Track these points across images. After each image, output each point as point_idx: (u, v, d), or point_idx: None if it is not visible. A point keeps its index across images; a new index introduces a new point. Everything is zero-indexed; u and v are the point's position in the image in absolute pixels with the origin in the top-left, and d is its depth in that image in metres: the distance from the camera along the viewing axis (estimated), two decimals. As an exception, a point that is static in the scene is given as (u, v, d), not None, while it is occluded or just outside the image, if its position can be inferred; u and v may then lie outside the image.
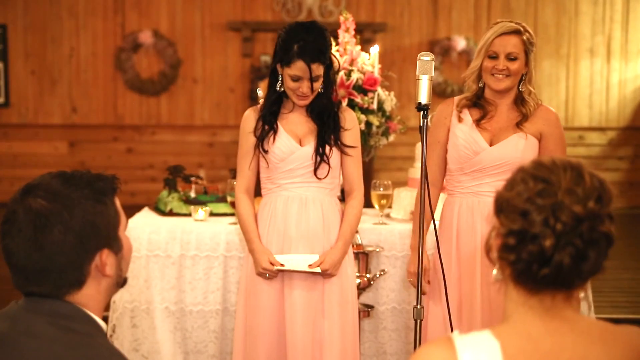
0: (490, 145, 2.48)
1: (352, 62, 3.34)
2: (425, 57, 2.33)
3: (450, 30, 8.00)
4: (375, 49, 3.61)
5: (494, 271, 1.20)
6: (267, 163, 2.57)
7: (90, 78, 8.04)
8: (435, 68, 2.39)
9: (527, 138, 2.46)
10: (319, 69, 2.47)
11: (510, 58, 2.42)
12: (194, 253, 3.22)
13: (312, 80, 2.48)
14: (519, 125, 2.48)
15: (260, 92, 3.19)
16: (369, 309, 3.00)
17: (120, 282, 1.41)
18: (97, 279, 1.34)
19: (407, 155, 5.87)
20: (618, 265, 5.70)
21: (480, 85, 2.50)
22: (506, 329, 1.17)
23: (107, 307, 1.53)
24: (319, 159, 2.49)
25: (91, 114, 8.13)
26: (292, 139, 2.56)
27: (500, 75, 2.44)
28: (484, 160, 2.44)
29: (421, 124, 2.21)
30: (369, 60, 3.59)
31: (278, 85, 2.55)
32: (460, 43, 7.64)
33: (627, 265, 5.66)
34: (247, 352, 2.61)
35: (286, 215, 2.57)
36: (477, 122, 2.50)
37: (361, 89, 3.35)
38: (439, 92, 7.52)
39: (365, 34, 7.17)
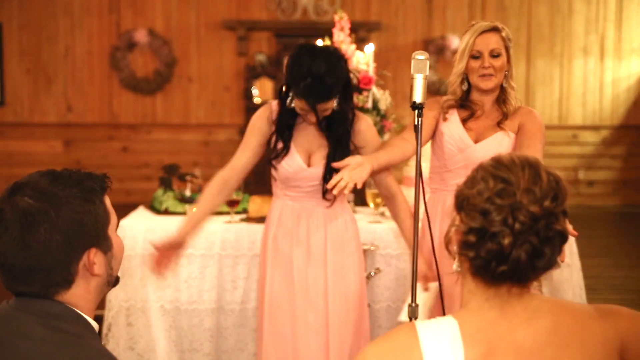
0: (475, 142, 2.51)
1: (348, 60, 3.34)
2: (420, 56, 2.32)
3: (445, 29, 8.00)
4: (370, 48, 3.61)
5: (454, 265, 1.25)
6: (275, 173, 2.53)
7: (85, 77, 8.03)
8: (430, 67, 2.38)
9: (509, 136, 2.49)
10: (327, 104, 2.39)
11: (494, 55, 2.46)
12: (189, 251, 3.19)
13: (321, 111, 2.40)
14: (499, 124, 2.51)
15: (256, 91, 3.16)
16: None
17: (112, 281, 1.40)
18: (86, 278, 1.34)
19: (402, 154, 5.90)
20: (612, 263, 5.72)
21: (464, 88, 2.53)
22: (464, 312, 1.23)
23: (102, 306, 1.52)
24: (324, 184, 2.43)
25: (86, 112, 8.12)
26: (301, 157, 2.50)
27: (487, 74, 2.46)
28: (468, 158, 2.46)
29: (416, 123, 2.21)
30: (364, 59, 3.60)
31: (288, 101, 2.46)
32: (454, 42, 7.66)
33: (620, 263, 5.69)
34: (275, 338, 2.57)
35: (291, 224, 2.54)
36: (464, 122, 2.53)
37: (356, 88, 3.34)
38: (434, 90, 7.55)
39: (360, 33, 7.20)
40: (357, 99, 3.23)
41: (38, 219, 1.27)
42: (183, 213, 3.43)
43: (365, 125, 2.53)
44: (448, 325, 1.20)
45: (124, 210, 3.65)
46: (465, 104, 2.54)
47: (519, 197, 1.17)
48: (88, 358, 1.26)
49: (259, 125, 2.55)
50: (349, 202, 2.75)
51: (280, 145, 2.49)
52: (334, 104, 2.42)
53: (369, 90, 3.45)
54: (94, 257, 1.32)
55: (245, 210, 3.38)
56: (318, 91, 2.34)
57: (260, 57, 7.66)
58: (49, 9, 7.88)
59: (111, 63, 7.92)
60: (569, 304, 1.31)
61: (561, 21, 8.00)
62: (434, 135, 2.51)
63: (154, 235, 3.24)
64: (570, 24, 7.89)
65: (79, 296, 1.33)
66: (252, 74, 7.69)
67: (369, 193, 3.13)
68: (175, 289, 3.23)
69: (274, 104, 2.57)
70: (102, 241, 1.35)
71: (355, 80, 2.60)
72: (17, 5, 7.87)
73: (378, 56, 4.06)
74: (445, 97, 2.58)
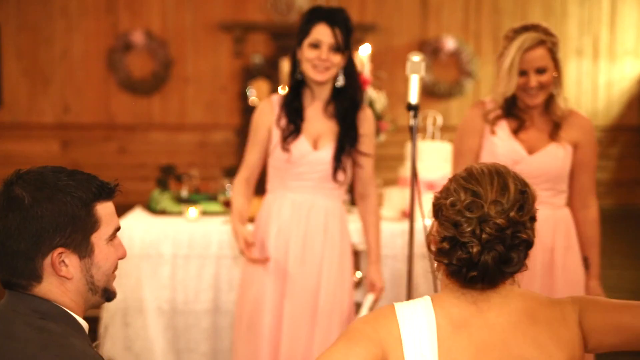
0: (529, 154, 2.43)
1: None
2: (415, 58, 2.32)
3: (440, 31, 7.96)
4: (365, 49, 3.61)
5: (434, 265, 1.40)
6: (275, 160, 2.49)
7: (82, 78, 8.00)
8: (425, 68, 2.37)
9: (565, 148, 2.42)
10: (338, 39, 2.37)
11: (539, 71, 2.36)
12: (185, 252, 3.21)
13: (334, 48, 2.37)
14: (553, 135, 2.44)
15: (253, 92, 3.19)
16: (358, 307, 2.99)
17: (95, 290, 1.38)
18: (59, 278, 1.34)
19: (397, 155, 5.89)
20: (605, 263, 5.71)
21: (508, 95, 2.42)
22: (439, 294, 1.39)
23: (98, 306, 1.56)
24: (335, 165, 2.43)
25: (83, 113, 8.08)
26: (308, 141, 2.47)
27: (533, 91, 2.37)
28: (523, 171, 2.36)
29: (411, 124, 2.21)
30: (360, 61, 3.60)
31: (298, 73, 2.45)
32: (449, 43, 7.64)
33: (613, 263, 5.69)
34: (249, 345, 2.54)
35: (289, 220, 2.50)
36: (515, 132, 2.44)
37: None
38: (430, 92, 7.52)
39: (355, 35, 6.99)
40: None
41: (12, 205, 1.30)
42: (179, 213, 3.43)
43: (369, 115, 2.53)
44: (422, 300, 1.36)
45: (120, 211, 3.66)
46: (512, 112, 2.43)
47: (486, 209, 1.30)
48: (70, 357, 1.26)
49: (263, 119, 2.53)
50: (343, 202, 2.77)
51: (291, 127, 2.47)
52: (339, 60, 2.39)
53: (364, 91, 3.46)
54: (59, 258, 1.32)
55: None
56: (334, 14, 2.38)
57: (257, 59, 7.63)
58: (46, 11, 7.84)
59: (108, 64, 7.90)
60: (542, 295, 1.43)
61: (555, 23, 8.00)
62: (479, 149, 2.42)
63: (150, 235, 3.25)
64: (563, 26, 7.89)
65: (57, 293, 1.33)
66: (249, 75, 7.64)
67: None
68: (172, 289, 3.23)
69: (275, 97, 2.56)
70: (78, 246, 1.34)
71: (358, 60, 2.61)
72: (15, 7, 7.81)
73: (374, 57, 4.07)
74: (487, 109, 2.45)
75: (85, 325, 1.36)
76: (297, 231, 2.49)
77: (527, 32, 2.35)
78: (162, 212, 3.52)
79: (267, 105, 2.54)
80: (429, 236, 1.40)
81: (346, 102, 2.46)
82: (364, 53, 3.57)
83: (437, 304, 1.37)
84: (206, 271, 3.23)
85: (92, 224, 1.35)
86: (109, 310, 3.22)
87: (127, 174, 7.86)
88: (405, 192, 2.51)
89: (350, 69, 2.45)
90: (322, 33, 2.36)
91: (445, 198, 1.35)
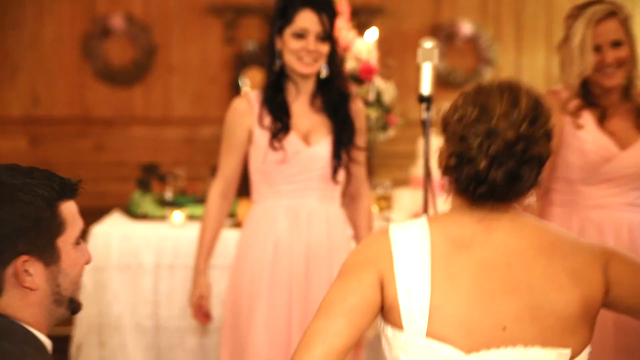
0: (622, 149, 2.44)
1: (346, 49, 3.42)
2: (428, 44, 2.39)
3: (455, 14, 8.05)
4: (372, 34, 3.71)
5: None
6: (263, 164, 2.49)
7: (54, 66, 8.06)
8: (439, 55, 2.49)
9: None
10: (325, 25, 2.42)
11: (615, 44, 2.37)
12: (170, 262, 3.30)
13: (321, 37, 2.42)
14: None
15: (246, 82, 3.40)
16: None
17: (62, 300, 1.41)
18: (21, 290, 1.36)
19: (409, 152, 5.92)
20: None
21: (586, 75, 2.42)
22: (441, 215, 1.56)
23: (70, 322, 1.59)
24: (335, 162, 2.47)
25: (55, 106, 8.14)
26: (298, 138, 2.50)
27: (610, 70, 2.39)
28: (615, 168, 2.40)
29: (423, 117, 2.24)
30: (366, 47, 3.68)
31: (277, 64, 2.50)
32: (466, 28, 7.76)
33: None
34: None
35: (287, 230, 2.49)
36: (600, 123, 2.46)
37: (356, 79, 3.42)
38: (444, 82, 7.64)
39: (361, 18, 7.08)
40: (358, 91, 3.30)
41: None
42: (163, 218, 3.51)
43: (362, 107, 2.64)
44: (418, 220, 1.51)
45: (96, 215, 3.76)
46: (592, 101, 2.46)
47: (494, 122, 1.40)
48: None
49: (240, 120, 2.54)
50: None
51: (277, 124, 2.50)
52: (326, 49, 2.47)
53: (371, 81, 3.53)
54: (24, 267, 1.35)
55: (233, 215, 3.40)
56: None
57: (250, 45, 7.75)
58: None
59: (83, 51, 7.95)
60: (568, 232, 1.55)
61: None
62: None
63: (130, 243, 3.34)
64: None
65: (16, 307, 1.35)
66: (241, 63, 7.70)
67: (373, 196, 3.15)
68: (154, 304, 3.31)
69: (252, 93, 2.61)
70: (43, 251, 1.37)
71: (340, 46, 2.73)
72: None
73: (381, 43, 4.16)
74: (564, 98, 2.46)
75: (48, 343, 1.37)
76: (298, 244, 2.49)
77: (595, 5, 2.37)
78: (144, 217, 3.69)
79: (243, 103, 2.57)
80: (439, 157, 1.52)
81: (334, 94, 2.53)
82: (370, 38, 3.65)
83: (436, 223, 1.50)
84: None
85: (57, 226, 1.37)
86: (81, 327, 3.34)
87: (104, 174, 7.99)
88: (418, 194, 2.55)
89: (332, 58, 2.50)
90: (308, 20, 2.40)
91: (453, 114, 1.47)
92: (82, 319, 3.41)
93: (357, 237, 2.69)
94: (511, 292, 1.46)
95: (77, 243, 1.43)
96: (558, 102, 2.46)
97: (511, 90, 1.44)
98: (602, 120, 2.47)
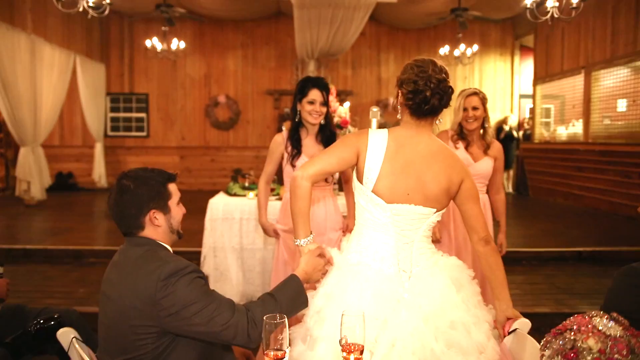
0: (474, 162, 3.43)
1: (334, 111, 4.55)
2: (374, 109, 3.35)
3: (388, 94, 11.55)
4: (347, 105, 5.02)
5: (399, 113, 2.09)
6: (288, 174, 3.24)
7: (192, 121, 11.47)
8: (379, 115, 3.45)
9: (492, 160, 3.48)
10: (324, 97, 3.14)
11: (475, 108, 3.34)
12: (247, 216, 4.55)
13: (322, 103, 3.14)
14: (486, 151, 3.44)
15: (284, 128, 3.79)
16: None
17: (175, 232, 1.94)
18: (153, 226, 1.87)
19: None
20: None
21: (455, 128, 3.34)
22: (396, 127, 2.12)
23: (177, 241, 2.09)
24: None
25: (193, 140, 11.46)
26: (306, 158, 3.18)
27: (471, 120, 3.37)
28: (471, 172, 2.97)
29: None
30: (343, 110, 4.88)
31: (297, 117, 3.20)
32: (392, 100, 10.51)
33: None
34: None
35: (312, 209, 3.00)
36: (466, 148, 3.44)
37: (339, 126, 4.69)
38: (381, 127, 8.54)
39: (341, 96, 10.17)
40: (340, 132, 4.15)
41: (124, 189, 1.87)
42: (243, 195, 4.72)
43: (341, 135, 3.13)
44: (383, 130, 2.06)
45: (212, 193, 5.05)
46: (463, 136, 3.43)
47: (430, 72, 2.04)
48: (157, 258, 1.80)
49: (276, 146, 3.34)
50: (334, 189, 3.75)
51: (294, 151, 3.28)
52: (325, 110, 3.17)
53: (346, 127, 4.67)
54: (155, 215, 1.86)
55: (277, 193, 4.70)
56: (322, 82, 3.17)
57: (287, 110, 10.71)
58: (174, 84, 11.09)
59: (205, 113, 11.44)
60: (453, 153, 2.17)
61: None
62: None
63: (228, 207, 4.49)
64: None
65: (152, 234, 1.89)
66: (282, 119, 10.81)
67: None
68: (239, 237, 4.40)
69: (284, 131, 3.39)
70: (163, 207, 1.88)
71: (331, 108, 3.43)
72: (156, 81, 11.11)
73: (351, 109, 6.06)
74: (449, 133, 3.43)
75: (169, 247, 1.93)
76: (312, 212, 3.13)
77: (468, 90, 3.40)
78: (234, 195, 4.76)
79: (280, 137, 3.34)
80: (394, 103, 2.11)
81: (327, 133, 3.34)
82: (346, 107, 4.83)
83: (392, 131, 2.00)
84: (258, 227, 4.40)
85: (168, 195, 1.87)
86: (205, 247, 4.43)
87: (216, 173, 11.28)
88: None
89: (327, 115, 3.26)
90: (316, 94, 3.17)
91: (404, 73, 2.06)
92: (206, 243, 4.37)
93: (348, 207, 3.41)
94: (414, 176, 2.03)
95: (178, 203, 1.88)
96: (447, 135, 3.37)
97: (433, 62, 2.04)
98: (467, 146, 3.40)
